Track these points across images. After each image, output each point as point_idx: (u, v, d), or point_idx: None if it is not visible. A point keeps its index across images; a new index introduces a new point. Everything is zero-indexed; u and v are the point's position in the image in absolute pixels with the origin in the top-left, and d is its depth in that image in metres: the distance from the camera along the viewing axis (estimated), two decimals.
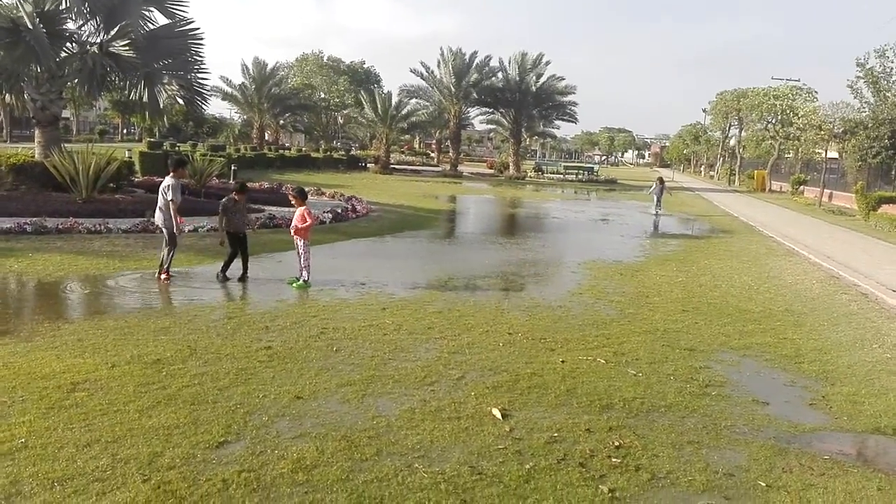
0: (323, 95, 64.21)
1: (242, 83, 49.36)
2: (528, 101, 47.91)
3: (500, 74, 47.84)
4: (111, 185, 16.05)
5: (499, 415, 5.05)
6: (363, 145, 72.40)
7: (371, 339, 6.79)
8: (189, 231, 11.96)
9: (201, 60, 17.76)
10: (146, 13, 17.16)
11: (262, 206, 16.61)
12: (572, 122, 54.02)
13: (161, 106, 17.42)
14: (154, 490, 3.68)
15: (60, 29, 16.41)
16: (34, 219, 11.90)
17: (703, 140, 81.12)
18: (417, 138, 78.15)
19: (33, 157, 16.62)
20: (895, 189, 28.36)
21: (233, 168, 24.89)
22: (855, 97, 32.03)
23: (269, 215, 14.62)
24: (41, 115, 16.61)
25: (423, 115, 45.84)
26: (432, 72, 47.27)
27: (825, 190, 34.60)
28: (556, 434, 4.78)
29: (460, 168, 49.07)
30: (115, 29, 16.82)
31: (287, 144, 58.54)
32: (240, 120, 64.18)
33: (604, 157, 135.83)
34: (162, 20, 17.47)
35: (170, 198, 8.81)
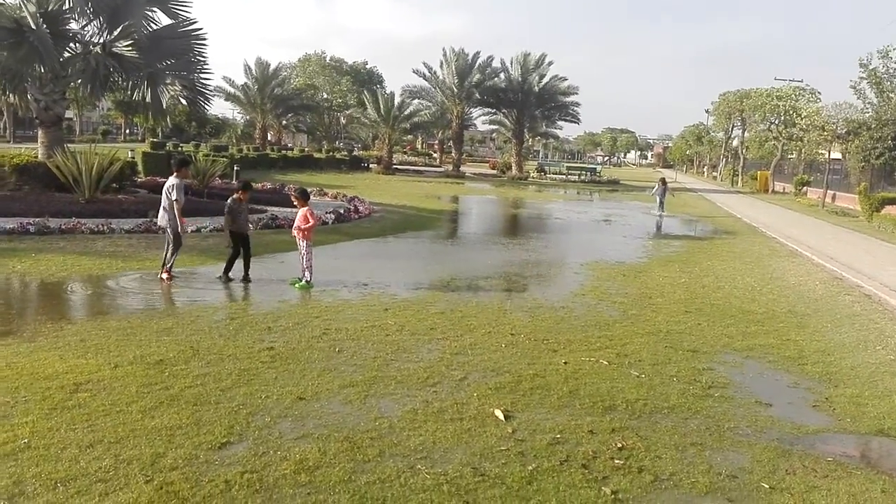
0: (325, 96, 64.32)
1: (245, 83, 49.55)
2: (531, 102, 47.94)
3: (502, 75, 47.93)
4: (114, 185, 16.07)
5: (501, 416, 5.05)
6: (366, 146, 72.50)
7: (373, 340, 6.79)
8: (192, 231, 11.97)
9: (204, 61, 17.81)
10: (149, 13, 17.20)
11: (265, 206, 16.57)
12: (575, 122, 54.04)
13: (164, 106, 17.43)
14: (157, 491, 3.69)
15: (64, 29, 16.46)
16: (37, 219, 11.92)
17: (706, 141, 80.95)
18: (420, 139, 78.31)
19: (36, 157, 16.67)
20: None
21: (235, 168, 24.97)
22: (858, 98, 32.03)
23: (271, 216, 14.61)
24: (44, 115, 16.65)
25: (425, 115, 45.85)
26: (435, 72, 47.38)
27: (828, 191, 34.54)
28: (558, 435, 4.78)
29: (463, 168, 49.09)
30: (119, 29, 16.85)
31: (290, 145, 58.57)
32: (242, 120, 64.35)
33: (606, 158, 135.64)
34: (165, 20, 17.55)
35: (174, 198, 8.82)
